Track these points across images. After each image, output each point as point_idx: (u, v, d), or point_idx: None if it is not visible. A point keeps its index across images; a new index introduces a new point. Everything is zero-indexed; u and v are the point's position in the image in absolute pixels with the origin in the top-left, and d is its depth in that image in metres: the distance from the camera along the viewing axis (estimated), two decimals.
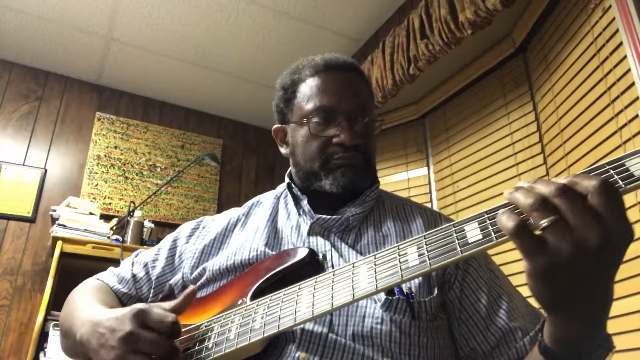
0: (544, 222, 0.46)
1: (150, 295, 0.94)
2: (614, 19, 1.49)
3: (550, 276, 0.47)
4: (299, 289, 0.66)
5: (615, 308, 1.45)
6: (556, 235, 0.45)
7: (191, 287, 0.73)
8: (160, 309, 0.67)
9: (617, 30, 1.48)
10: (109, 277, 0.97)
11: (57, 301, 2.26)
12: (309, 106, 0.88)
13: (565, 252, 0.45)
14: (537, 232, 0.47)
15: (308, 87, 0.90)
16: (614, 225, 0.45)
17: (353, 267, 0.61)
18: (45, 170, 2.91)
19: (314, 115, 0.87)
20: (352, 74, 0.92)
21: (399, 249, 0.57)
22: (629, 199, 1.40)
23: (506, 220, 0.47)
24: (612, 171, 0.47)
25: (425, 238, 0.55)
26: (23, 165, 2.87)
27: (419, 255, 0.54)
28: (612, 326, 1.55)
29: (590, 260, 0.45)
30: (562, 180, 0.47)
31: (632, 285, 1.37)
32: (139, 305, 0.66)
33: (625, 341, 1.38)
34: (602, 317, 0.52)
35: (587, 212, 0.45)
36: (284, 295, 0.67)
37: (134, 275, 0.95)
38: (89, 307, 0.79)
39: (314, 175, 0.88)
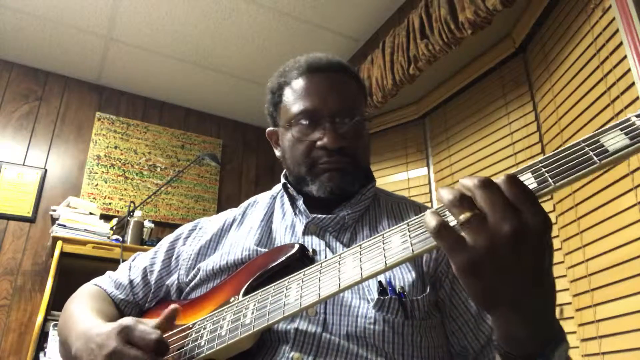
0: (461, 218, 0.47)
1: (148, 299, 0.94)
2: (614, 19, 1.49)
3: (475, 272, 0.46)
4: (287, 282, 0.66)
5: (615, 308, 1.46)
6: (471, 230, 0.46)
7: (173, 306, 0.72)
8: (145, 326, 0.67)
9: (617, 30, 1.48)
10: (106, 282, 0.96)
11: (57, 301, 2.26)
12: (294, 109, 0.87)
13: (482, 245, 0.45)
14: (458, 229, 0.48)
15: (292, 90, 0.90)
16: (528, 214, 0.45)
17: (340, 258, 0.62)
18: (45, 170, 2.91)
19: (298, 119, 0.86)
20: (336, 75, 0.90)
21: (383, 237, 0.58)
22: (628, 199, 1.40)
23: (429, 221, 0.48)
24: (587, 148, 0.48)
25: (408, 225, 0.56)
26: (23, 165, 2.87)
27: (402, 242, 0.55)
28: (612, 326, 1.55)
29: (509, 251, 0.45)
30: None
31: (632, 285, 1.37)
32: (125, 322, 0.67)
33: (625, 341, 1.37)
34: (545, 312, 0.51)
35: (500, 202, 0.46)
36: (273, 289, 0.68)
37: (131, 281, 0.95)
38: (84, 318, 0.79)
39: (302, 180, 0.88)
